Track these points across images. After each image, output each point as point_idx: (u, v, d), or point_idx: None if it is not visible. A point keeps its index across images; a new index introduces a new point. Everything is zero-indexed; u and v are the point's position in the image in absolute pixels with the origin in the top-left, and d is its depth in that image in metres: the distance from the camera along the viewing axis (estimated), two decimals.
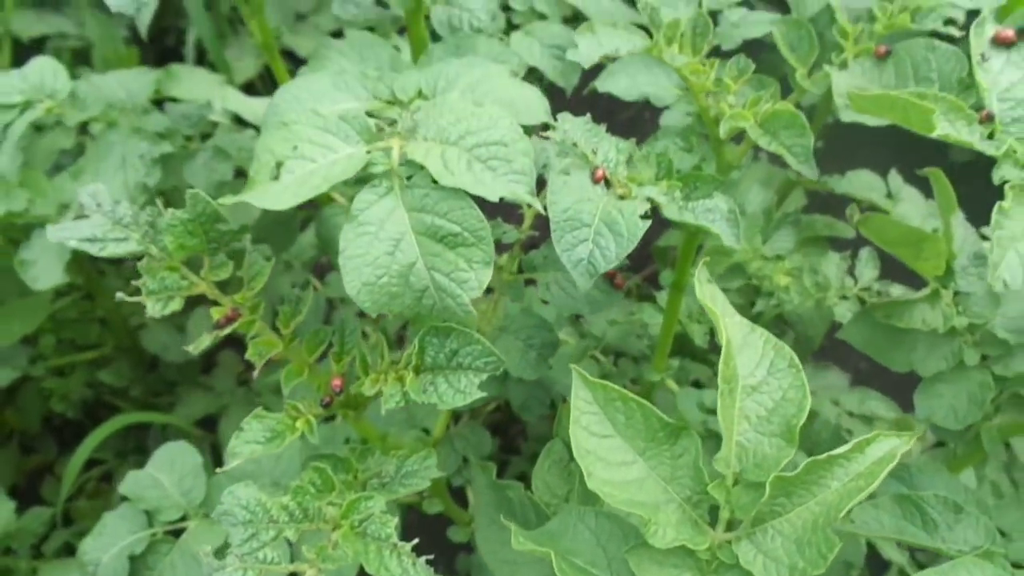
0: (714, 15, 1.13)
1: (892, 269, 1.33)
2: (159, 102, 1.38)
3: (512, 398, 1.26)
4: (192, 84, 1.48)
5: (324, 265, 1.84)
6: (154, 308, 0.68)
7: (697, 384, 1.39)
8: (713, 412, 1.00)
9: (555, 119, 0.79)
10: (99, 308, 1.87)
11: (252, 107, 1.48)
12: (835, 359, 1.55)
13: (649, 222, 0.71)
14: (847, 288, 1.39)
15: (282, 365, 0.81)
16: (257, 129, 1.45)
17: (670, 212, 0.78)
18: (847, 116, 0.81)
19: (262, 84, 2.32)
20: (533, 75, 1.15)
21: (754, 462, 0.62)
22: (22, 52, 1.83)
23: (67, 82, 1.09)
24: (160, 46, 2.43)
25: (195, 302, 1.70)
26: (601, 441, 0.64)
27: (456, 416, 1.44)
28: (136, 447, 1.97)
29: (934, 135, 0.68)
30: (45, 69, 1.09)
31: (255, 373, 0.79)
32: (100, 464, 1.83)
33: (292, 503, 0.69)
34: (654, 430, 0.64)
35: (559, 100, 0.96)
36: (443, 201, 0.70)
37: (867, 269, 1.39)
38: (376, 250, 0.70)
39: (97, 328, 1.95)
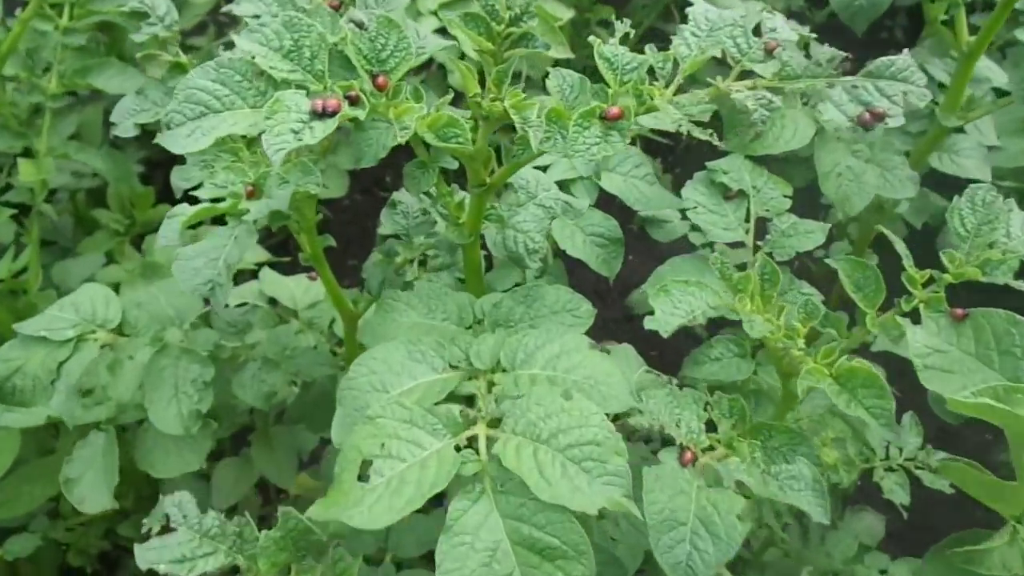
0: (762, 222, 1.14)
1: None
2: None
3: None
4: None
5: None
6: None
7: None
8: None
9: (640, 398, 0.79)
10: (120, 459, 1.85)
11: (289, 289, 1.47)
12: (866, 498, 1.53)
13: (749, 525, 0.70)
14: (893, 458, 1.38)
15: None
16: (295, 314, 1.44)
17: (757, 488, 0.77)
18: (925, 378, 0.80)
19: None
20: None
21: None
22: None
23: (118, 309, 1.07)
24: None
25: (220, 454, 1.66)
26: None
27: None
28: None
29: None
30: (96, 297, 1.06)
31: None
32: None
33: None
34: None
35: None
36: (540, 513, 0.69)
37: (910, 436, 1.38)
38: (472, 562, 0.69)
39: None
